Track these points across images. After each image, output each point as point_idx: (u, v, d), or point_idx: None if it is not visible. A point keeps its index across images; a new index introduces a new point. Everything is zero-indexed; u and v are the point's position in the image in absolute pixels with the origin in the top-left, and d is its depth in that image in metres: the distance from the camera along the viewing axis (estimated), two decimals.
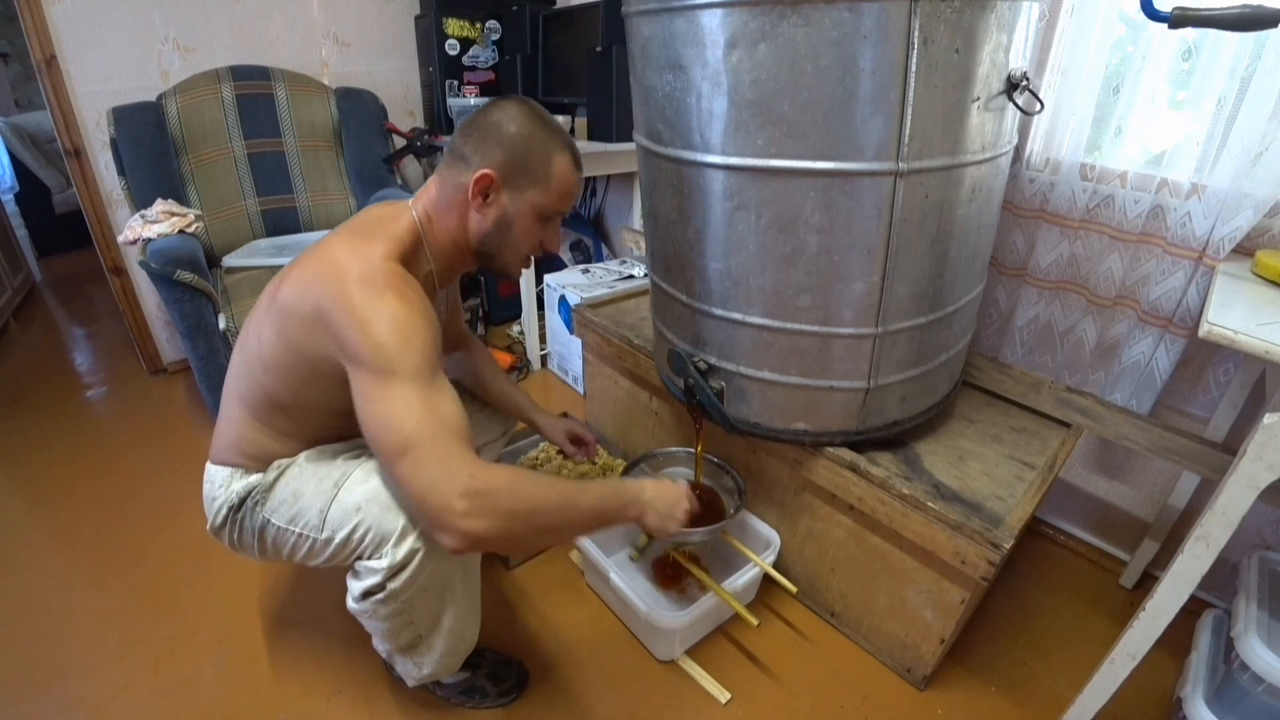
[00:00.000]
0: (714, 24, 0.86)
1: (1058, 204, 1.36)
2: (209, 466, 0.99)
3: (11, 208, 3.39)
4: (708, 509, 1.31)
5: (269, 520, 0.94)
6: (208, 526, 1.00)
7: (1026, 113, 0.94)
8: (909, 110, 0.83)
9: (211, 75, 2.13)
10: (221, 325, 1.72)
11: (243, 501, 0.95)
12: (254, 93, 2.18)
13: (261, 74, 2.20)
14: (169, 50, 2.17)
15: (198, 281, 1.66)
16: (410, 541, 0.86)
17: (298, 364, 0.87)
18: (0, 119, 3.52)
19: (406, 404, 0.76)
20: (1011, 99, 0.93)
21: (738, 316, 1.04)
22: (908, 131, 0.84)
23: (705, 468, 1.34)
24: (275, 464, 0.96)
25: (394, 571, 0.86)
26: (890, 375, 1.06)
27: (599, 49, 2.02)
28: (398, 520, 0.86)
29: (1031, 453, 1.25)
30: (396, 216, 0.90)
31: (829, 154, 0.85)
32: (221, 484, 0.96)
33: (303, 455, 0.97)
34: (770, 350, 1.05)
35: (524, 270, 0.99)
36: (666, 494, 0.96)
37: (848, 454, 1.13)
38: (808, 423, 1.12)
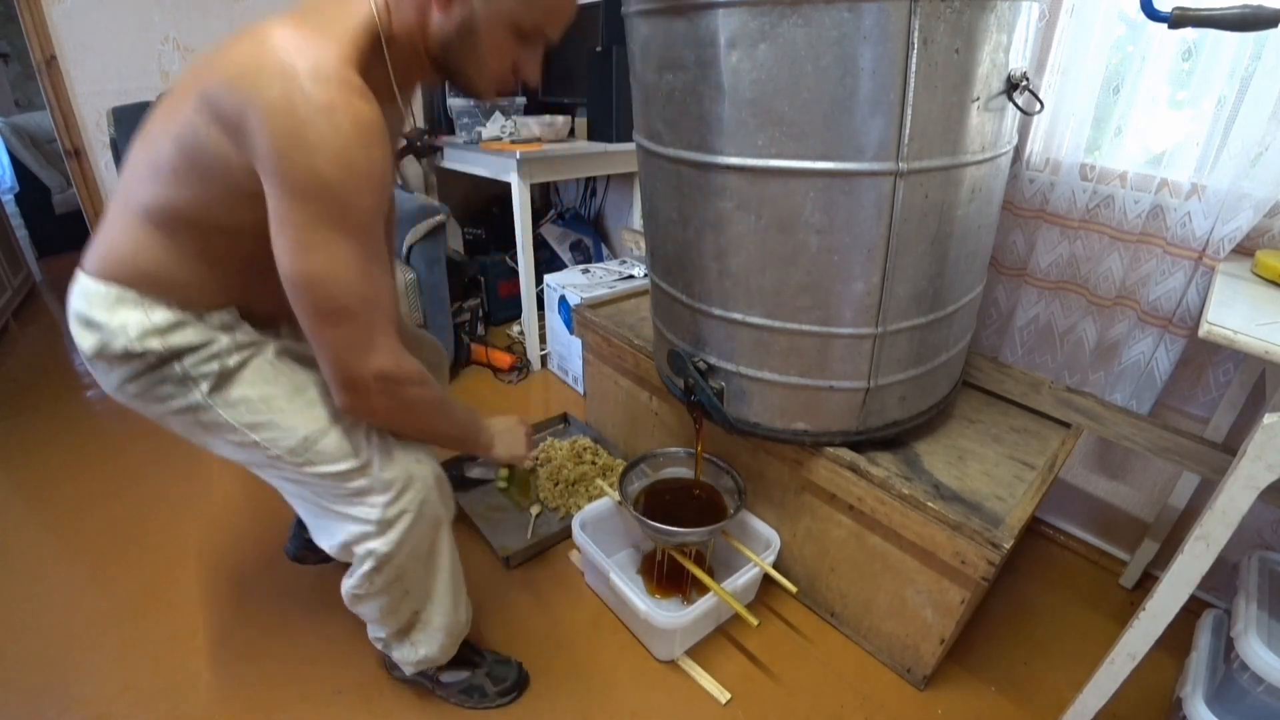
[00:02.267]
0: (714, 24, 0.86)
1: (1058, 204, 1.36)
2: (81, 277, 0.79)
3: (11, 208, 3.39)
4: (708, 508, 1.31)
5: (216, 411, 0.81)
6: (80, 355, 0.85)
7: (1026, 113, 0.94)
8: (909, 110, 0.83)
9: None
10: None
11: (169, 360, 0.79)
12: None
13: None
14: (169, 50, 2.17)
15: None
16: (404, 500, 0.85)
17: (208, 174, 0.72)
18: (0, 119, 3.52)
19: (345, 266, 0.68)
20: (1011, 99, 0.93)
21: (738, 316, 1.04)
22: (908, 131, 0.84)
23: (706, 468, 1.34)
24: (229, 339, 0.82)
25: (385, 526, 0.85)
26: (890, 375, 1.07)
27: (599, 49, 2.02)
28: (397, 474, 0.85)
29: (1031, 453, 1.25)
30: (351, 3, 0.72)
31: (829, 154, 0.85)
32: (108, 308, 0.77)
33: (271, 349, 0.87)
34: (770, 350, 1.05)
35: (499, 96, 0.83)
36: (510, 429, 1.11)
37: (848, 454, 1.13)
38: (808, 423, 1.12)
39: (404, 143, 2.35)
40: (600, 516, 1.38)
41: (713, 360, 1.12)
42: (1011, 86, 0.92)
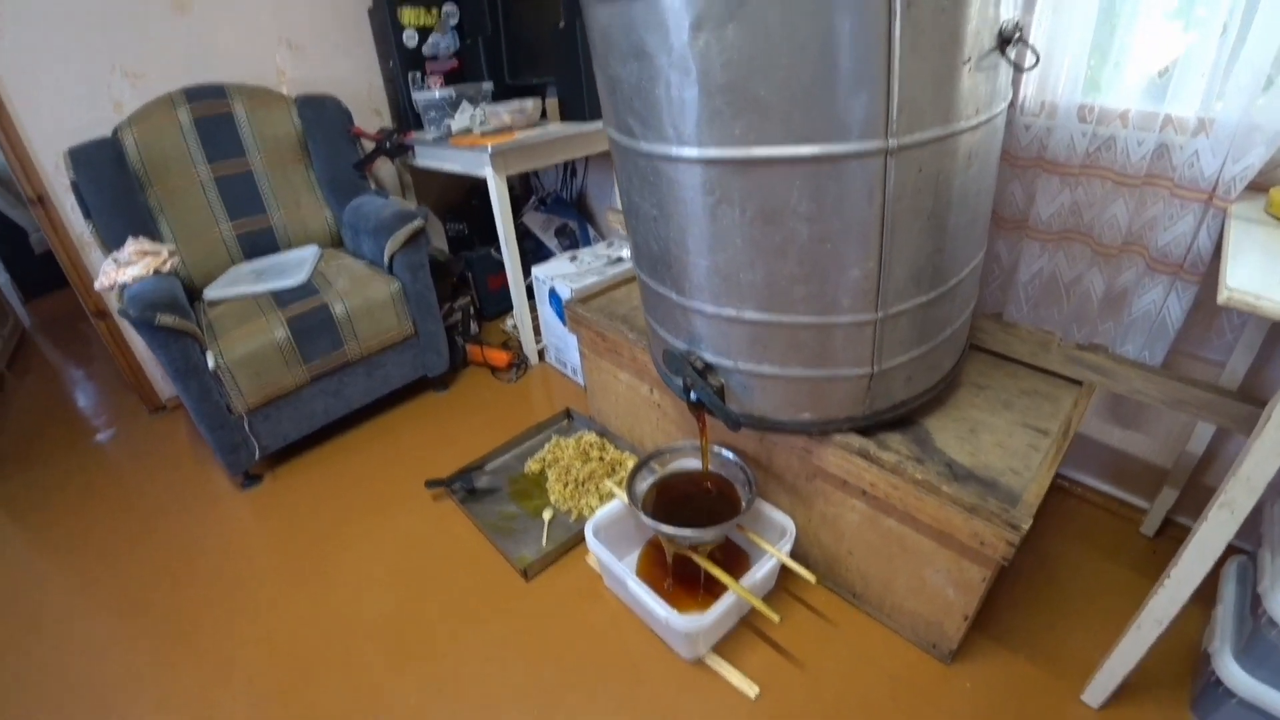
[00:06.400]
0: (676, 5, 0.80)
1: (1056, 150, 1.30)
2: None
3: None
4: (720, 500, 1.29)
5: None
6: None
7: (1020, 68, 0.88)
8: (895, 82, 0.77)
9: (166, 101, 2.05)
10: (210, 364, 1.67)
11: None
12: (212, 113, 2.09)
13: (217, 93, 2.11)
14: (118, 79, 2.07)
15: (179, 323, 1.60)
16: None
17: None
18: None
19: None
20: (1004, 55, 0.87)
21: (731, 313, 1.00)
22: (895, 105, 0.78)
23: (713, 459, 1.31)
24: None
25: None
26: (894, 358, 1.02)
27: (561, 25, 1.93)
28: None
29: (1044, 417, 1.21)
30: None
31: (812, 137, 0.80)
32: None
33: None
34: (768, 344, 1.00)
35: None
36: None
37: (856, 440, 1.10)
38: (813, 412, 1.08)
39: (372, 145, 2.27)
40: (613, 519, 1.35)
41: (709, 358, 1.08)
42: (1004, 41, 0.86)
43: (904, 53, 0.76)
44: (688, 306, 1.05)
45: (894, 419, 1.14)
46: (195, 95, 2.08)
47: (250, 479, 1.85)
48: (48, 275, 3.45)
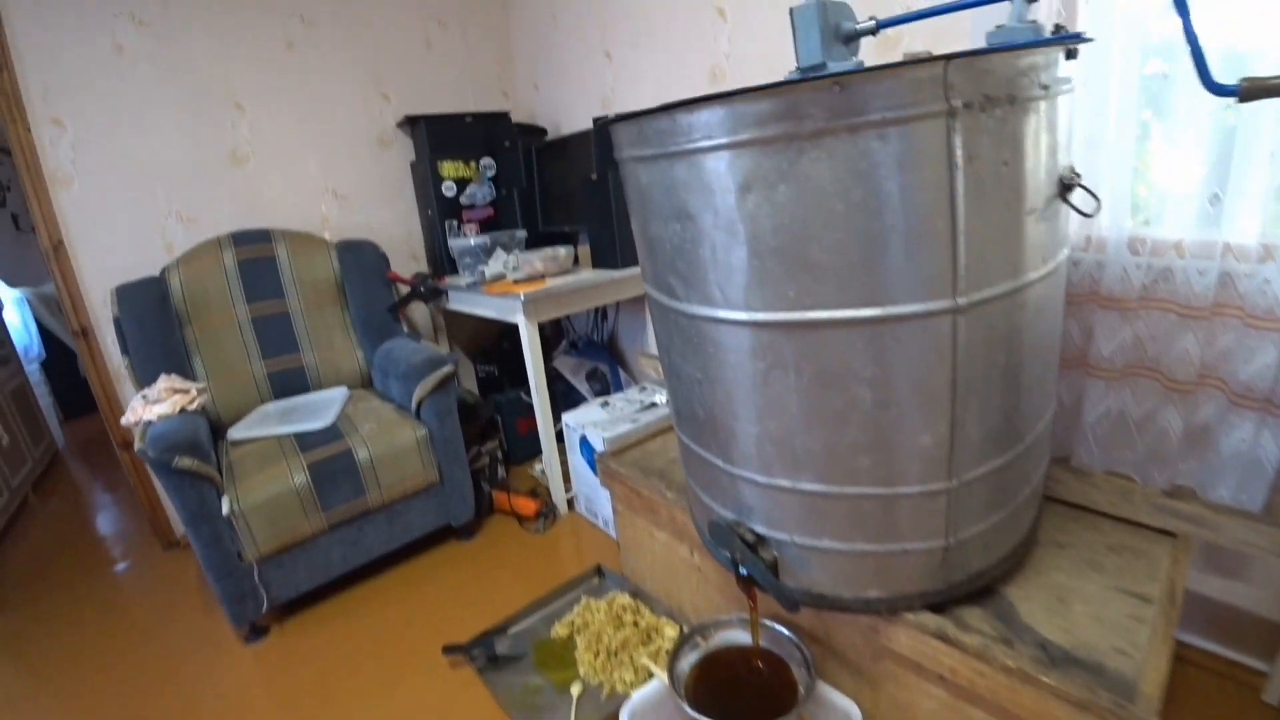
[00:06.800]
0: (721, 168, 0.77)
1: (1110, 285, 1.23)
2: None
3: (37, 376, 3.42)
4: (773, 683, 1.12)
5: None
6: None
7: (1083, 214, 0.83)
8: (960, 238, 0.72)
9: (213, 244, 2.14)
10: (225, 509, 1.61)
11: None
12: (255, 256, 2.17)
13: (262, 237, 2.20)
14: (172, 222, 2.20)
15: (198, 466, 1.57)
16: None
17: None
18: (29, 289, 3.60)
19: None
20: (1066, 200, 0.82)
21: (785, 483, 0.90)
22: (961, 262, 0.73)
23: (765, 634, 1.16)
24: None
25: None
26: (970, 527, 0.91)
27: (594, 176, 2.00)
28: None
29: (1140, 579, 1.06)
30: None
31: (874, 299, 0.74)
32: None
33: None
34: (828, 517, 0.90)
35: None
36: None
37: (932, 619, 0.96)
38: (880, 589, 0.95)
39: (407, 289, 2.32)
40: (651, 703, 1.19)
41: (761, 530, 0.97)
42: (1065, 187, 0.81)
43: (968, 209, 0.71)
44: (736, 474, 0.96)
45: (972, 591, 1.00)
46: (241, 239, 2.16)
47: (256, 631, 1.73)
48: (89, 396, 3.54)
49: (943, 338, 0.76)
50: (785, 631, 1.14)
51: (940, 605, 0.98)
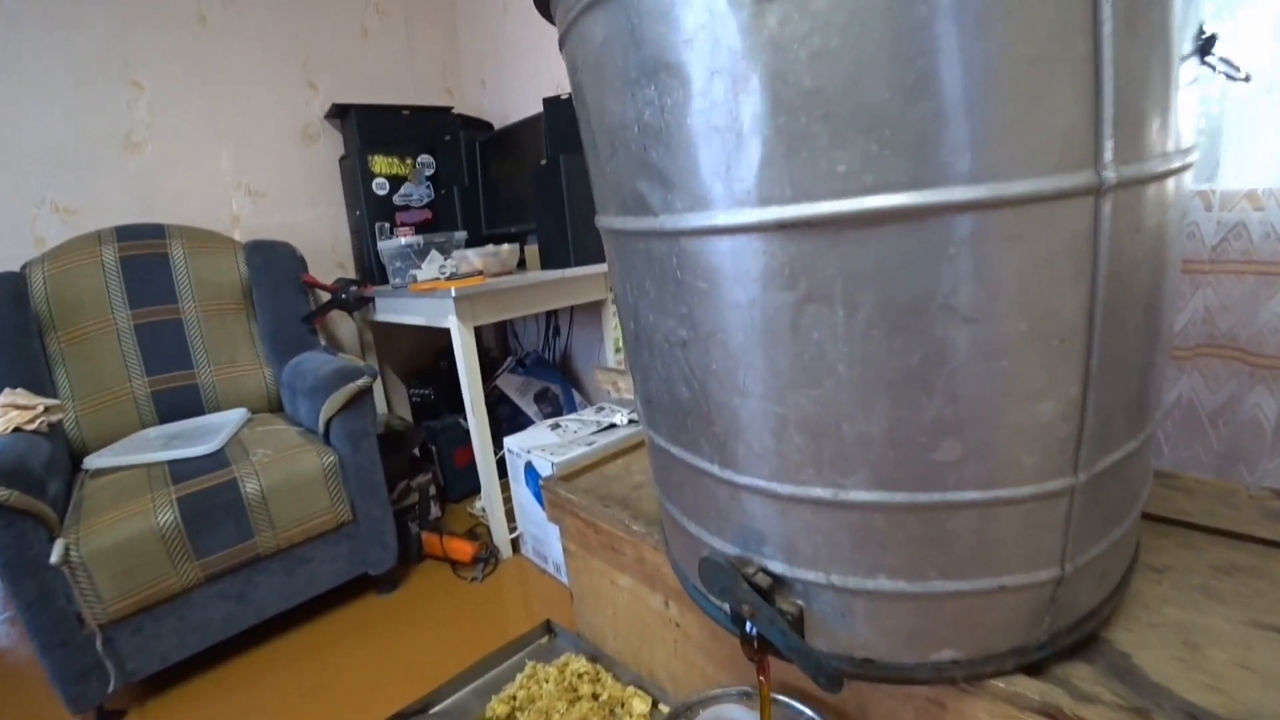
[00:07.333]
0: None
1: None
2: None
3: None
4: None
5: None
6: None
7: (1235, 77, 0.57)
8: (1107, 69, 0.44)
9: (91, 238, 1.79)
10: (55, 556, 1.23)
11: None
12: (143, 253, 1.82)
13: (154, 232, 1.86)
14: (45, 213, 1.85)
15: (15, 499, 1.19)
16: None
17: None
18: None
19: None
20: (1205, 61, 0.56)
21: (822, 494, 0.58)
22: (1108, 112, 0.45)
23: (778, 715, 0.83)
24: None
25: None
26: (1091, 547, 0.62)
27: (543, 162, 1.72)
28: None
29: (1275, 607, 0.78)
30: None
31: (980, 172, 0.45)
32: None
33: None
34: (889, 543, 0.58)
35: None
36: None
37: (1032, 686, 0.65)
38: (959, 647, 0.64)
39: (328, 296, 1.98)
40: None
41: (779, 569, 0.64)
42: (1206, 41, 0.56)
43: (1118, 27, 0.44)
44: (741, 485, 0.64)
45: (1075, 642, 0.70)
46: (127, 233, 1.82)
47: (107, 717, 1.34)
48: None
49: (1079, 236, 0.47)
50: (807, 711, 0.81)
51: (1037, 665, 0.68)
